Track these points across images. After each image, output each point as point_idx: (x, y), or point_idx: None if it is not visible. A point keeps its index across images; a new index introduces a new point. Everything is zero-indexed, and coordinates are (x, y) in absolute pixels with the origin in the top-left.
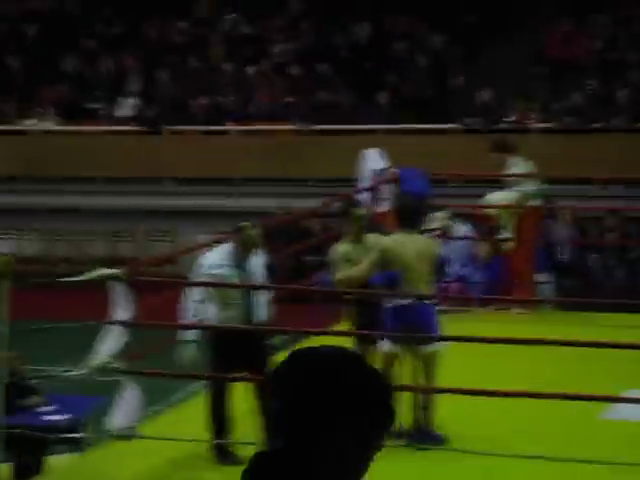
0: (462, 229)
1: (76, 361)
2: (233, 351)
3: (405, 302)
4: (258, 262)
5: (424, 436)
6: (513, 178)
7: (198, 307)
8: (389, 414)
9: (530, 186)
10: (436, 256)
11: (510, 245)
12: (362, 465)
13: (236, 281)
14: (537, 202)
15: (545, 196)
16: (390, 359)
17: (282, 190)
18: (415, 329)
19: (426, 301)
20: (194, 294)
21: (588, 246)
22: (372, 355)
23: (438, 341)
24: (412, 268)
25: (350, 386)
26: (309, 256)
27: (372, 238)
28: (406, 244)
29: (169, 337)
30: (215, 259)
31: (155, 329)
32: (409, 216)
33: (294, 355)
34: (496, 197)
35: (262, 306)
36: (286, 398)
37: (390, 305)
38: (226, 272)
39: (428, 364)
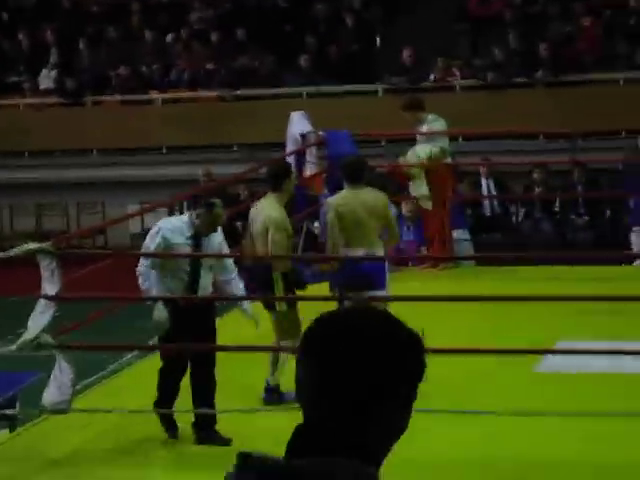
0: None
1: (6, 338)
2: (177, 322)
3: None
4: (216, 239)
5: None
6: (426, 135)
7: (147, 272)
8: (424, 368)
9: (443, 143)
10: (385, 209)
11: (428, 202)
12: (405, 423)
13: (185, 252)
14: (449, 159)
15: (456, 153)
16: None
17: (207, 157)
18: (365, 277)
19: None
20: (144, 261)
21: (513, 201)
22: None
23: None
24: (362, 223)
25: (393, 351)
26: (238, 221)
27: None
28: (354, 200)
29: (99, 309)
30: (174, 226)
31: (85, 301)
32: (352, 172)
33: (326, 321)
34: (409, 155)
35: (229, 283)
36: (327, 366)
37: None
38: (180, 242)
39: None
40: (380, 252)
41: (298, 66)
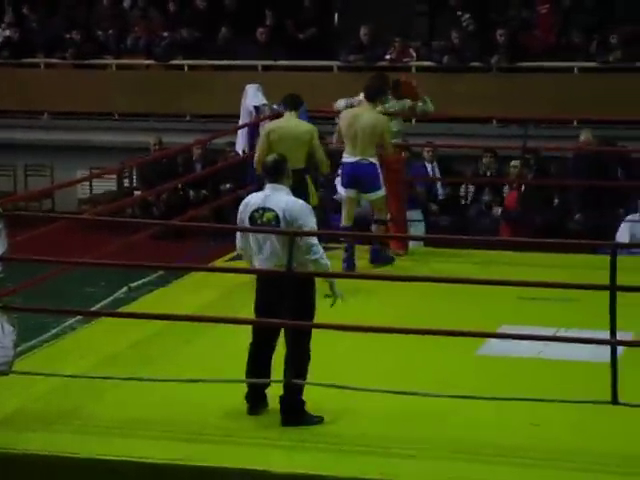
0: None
1: None
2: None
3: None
4: None
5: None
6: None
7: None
8: None
9: (398, 125)
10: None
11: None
12: None
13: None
14: (399, 140)
15: (407, 135)
16: (349, 202)
17: (159, 126)
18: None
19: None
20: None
21: (462, 184)
22: None
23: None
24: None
25: None
26: (192, 190)
27: None
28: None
29: (45, 273)
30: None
31: (32, 265)
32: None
33: None
34: None
35: None
36: None
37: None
38: None
39: (376, 205)
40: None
41: (255, 39)
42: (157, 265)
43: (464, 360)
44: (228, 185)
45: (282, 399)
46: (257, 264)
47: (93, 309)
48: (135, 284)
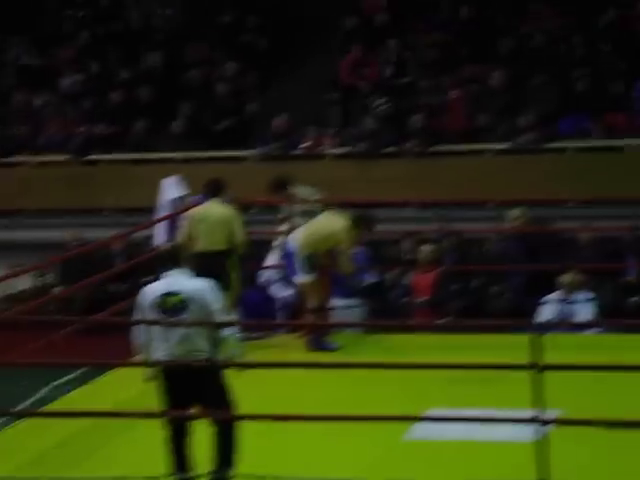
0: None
1: None
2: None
3: None
4: None
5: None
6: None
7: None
8: None
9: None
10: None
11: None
12: None
13: None
14: None
15: None
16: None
17: (76, 221)
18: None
19: None
20: None
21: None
22: None
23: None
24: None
25: None
26: (112, 285)
27: None
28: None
29: None
30: None
31: None
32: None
33: None
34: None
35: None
36: None
37: None
38: None
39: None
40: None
41: (171, 132)
42: (80, 362)
43: (390, 446)
44: (150, 278)
45: None
46: (161, 354)
47: (16, 409)
48: (58, 382)
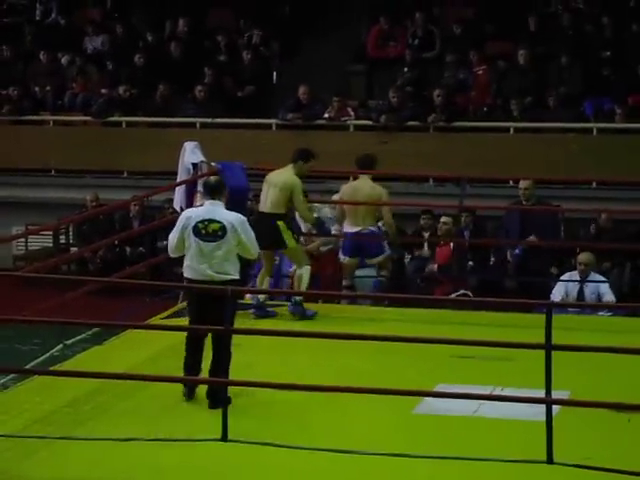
0: None
1: None
2: None
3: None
4: None
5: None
6: None
7: None
8: None
9: None
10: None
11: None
12: None
13: None
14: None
15: None
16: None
17: (97, 182)
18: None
19: None
20: None
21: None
22: None
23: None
24: None
25: None
26: (129, 247)
27: None
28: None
29: None
30: None
31: None
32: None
33: None
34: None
35: None
36: None
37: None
38: None
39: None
40: None
41: (193, 96)
42: (92, 322)
43: (400, 419)
44: (165, 242)
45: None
46: (193, 273)
47: (27, 367)
48: (70, 341)
